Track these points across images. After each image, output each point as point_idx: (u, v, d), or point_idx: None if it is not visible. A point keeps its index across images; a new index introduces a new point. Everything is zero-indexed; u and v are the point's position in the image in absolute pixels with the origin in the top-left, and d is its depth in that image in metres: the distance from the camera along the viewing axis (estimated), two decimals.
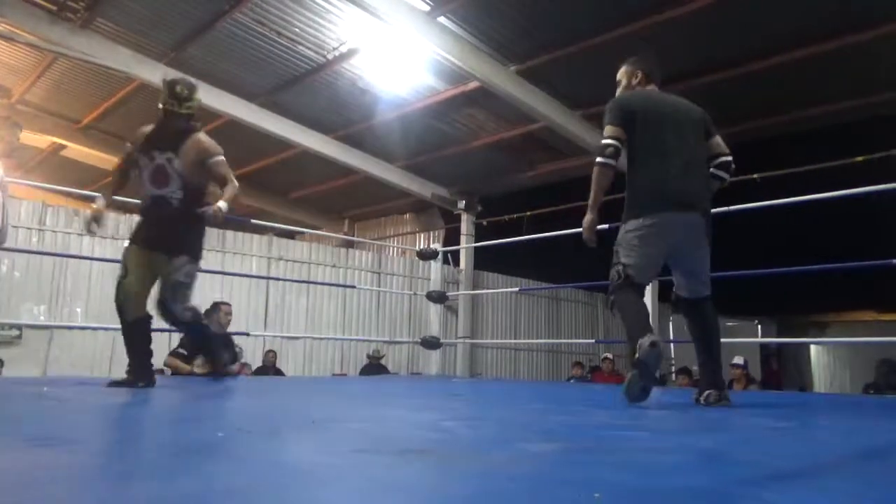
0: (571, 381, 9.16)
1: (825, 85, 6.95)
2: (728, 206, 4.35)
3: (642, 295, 2.74)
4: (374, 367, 8.98)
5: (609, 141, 2.73)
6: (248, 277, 9.04)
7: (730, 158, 2.90)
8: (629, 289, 2.69)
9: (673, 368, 10.84)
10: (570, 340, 10.45)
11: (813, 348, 16.93)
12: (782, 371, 15.47)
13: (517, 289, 11.33)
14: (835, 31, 6.02)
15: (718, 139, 2.92)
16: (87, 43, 7.48)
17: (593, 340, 12.72)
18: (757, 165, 8.04)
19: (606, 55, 6.79)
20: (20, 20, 7.09)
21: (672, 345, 12.02)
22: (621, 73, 3.04)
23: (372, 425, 1.58)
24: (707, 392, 2.74)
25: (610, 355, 9.81)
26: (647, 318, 2.67)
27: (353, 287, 9.64)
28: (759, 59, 6.52)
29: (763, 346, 14.48)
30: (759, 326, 16.37)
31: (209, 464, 1.06)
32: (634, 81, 2.97)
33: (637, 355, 2.50)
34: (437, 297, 7.73)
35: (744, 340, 8.01)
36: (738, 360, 7.79)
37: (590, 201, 2.82)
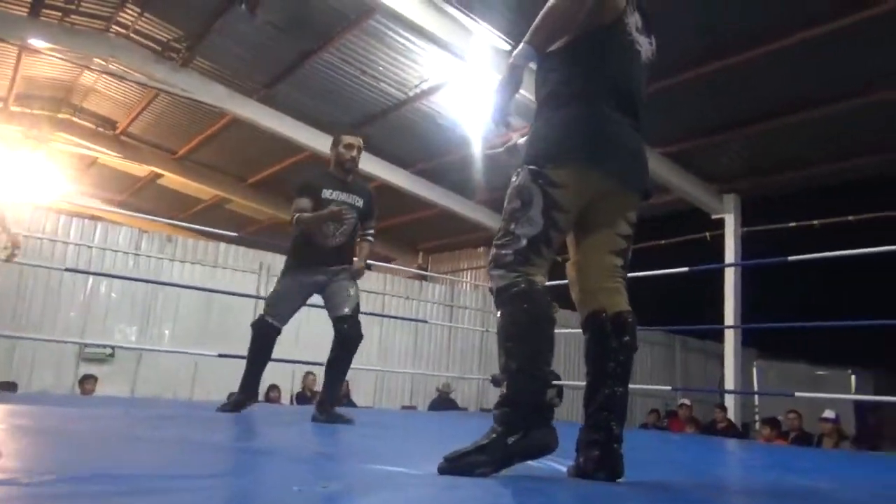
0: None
1: None
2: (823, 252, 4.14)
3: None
4: (444, 401, 8.95)
5: None
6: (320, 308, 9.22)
7: None
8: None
9: (757, 418, 10.27)
10: (645, 386, 10.09)
11: None
12: (885, 426, 14.29)
13: None
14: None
15: None
16: (187, 80, 8.01)
17: (669, 388, 12.23)
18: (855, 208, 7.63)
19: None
20: (130, 60, 7.70)
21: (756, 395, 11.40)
22: None
23: (440, 486, 1.54)
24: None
25: (688, 401, 9.38)
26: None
27: (425, 322, 9.64)
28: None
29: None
30: (854, 377, 15.30)
31: None
32: None
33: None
34: None
35: (833, 396, 7.48)
36: (829, 413, 7.27)
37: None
